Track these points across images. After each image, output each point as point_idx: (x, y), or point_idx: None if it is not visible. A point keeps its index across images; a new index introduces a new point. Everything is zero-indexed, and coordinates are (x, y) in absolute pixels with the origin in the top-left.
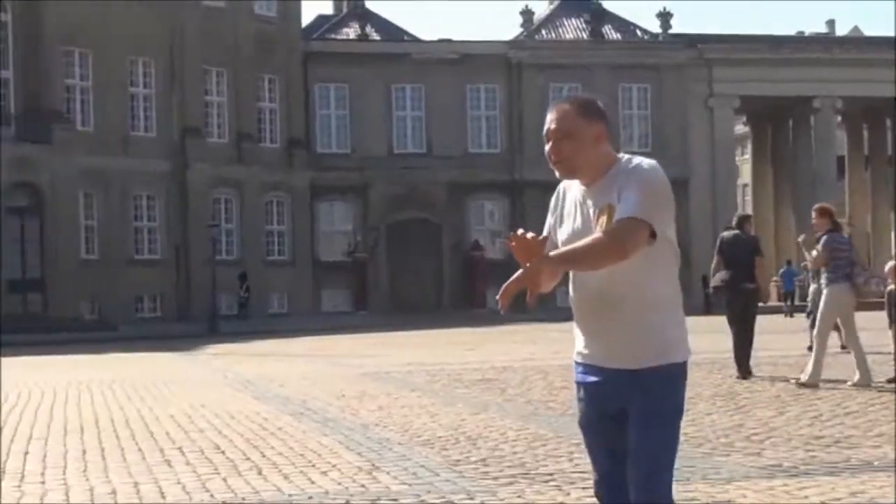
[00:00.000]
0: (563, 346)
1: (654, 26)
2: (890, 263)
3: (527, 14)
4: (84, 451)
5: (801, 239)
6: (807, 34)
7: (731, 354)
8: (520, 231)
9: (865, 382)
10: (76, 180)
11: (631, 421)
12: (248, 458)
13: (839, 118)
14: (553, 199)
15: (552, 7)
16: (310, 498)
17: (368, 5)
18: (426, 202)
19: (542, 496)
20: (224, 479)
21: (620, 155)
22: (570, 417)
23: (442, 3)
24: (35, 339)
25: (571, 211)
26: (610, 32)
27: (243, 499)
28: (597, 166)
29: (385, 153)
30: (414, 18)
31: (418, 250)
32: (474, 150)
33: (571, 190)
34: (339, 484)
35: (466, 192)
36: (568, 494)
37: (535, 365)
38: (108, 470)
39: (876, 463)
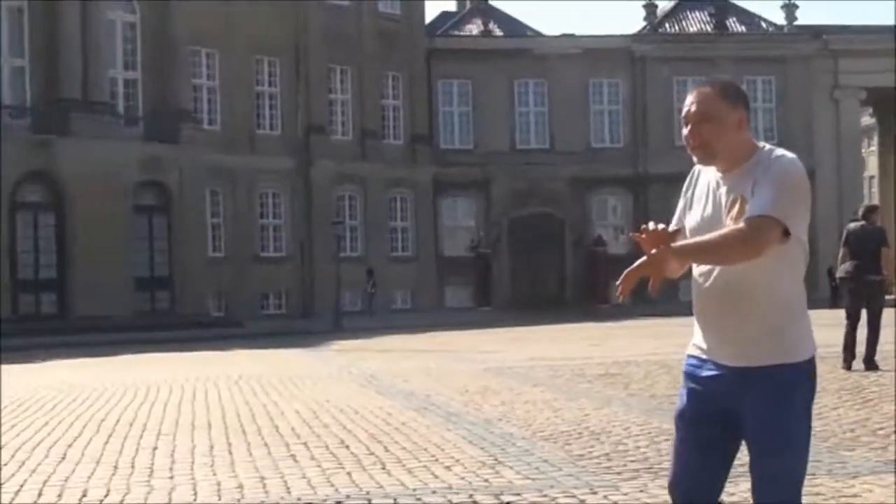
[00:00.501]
0: (687, 341)
1: (779, 18)
2: None
3: (650, 7)
4: (211, 447)
5: None
6: None
7: (861, 348)
8: (650, 225)
9: None
10: (203, 178)
11: (749, 422)
12: (371, 453)
13: None
14: (686, 181)
15: (676, 0)
16: (433, 492)
17: (491, 2)
18: (548, 197)
19: (664, 491)
20: (348, 474)
21: (762, 144)
22: None
23: None
24: (163, 336)
25: (703, 196)
26: (734, 25)
27: (367, 493)
28: (736, 153)
29: (507, 148)
30: (536, 14)
31: (540, 245)
32: (597, 145)
33: (706, 174)
34: (463, 479)
35: (589, 187)
36: None
37: (658, 359)
38: (235, 465)
39: None
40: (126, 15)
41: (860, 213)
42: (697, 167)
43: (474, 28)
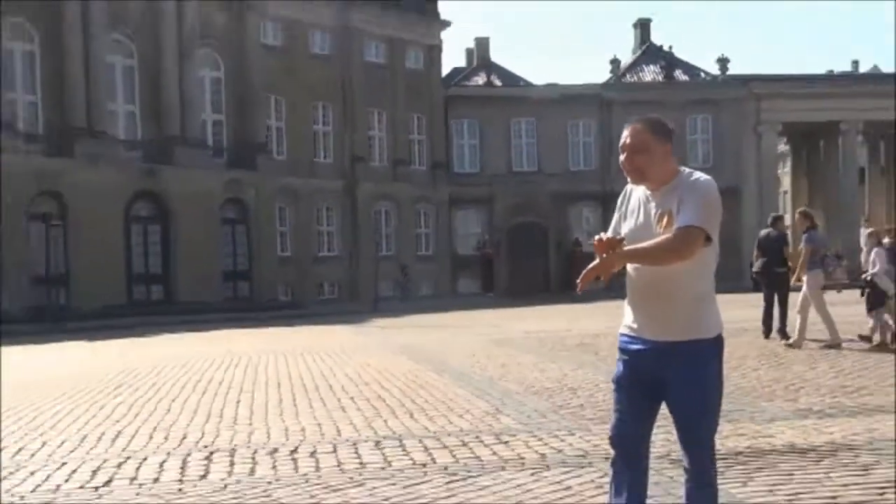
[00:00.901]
0: None
1: (715, 69)
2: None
3: (615, 62)
4: (280, 400)
5: (867, 232)
6: (836, 72)
7: (776, 324)
8: (602, 235)
9: (836, 342)
10: (274, 196)
11: (672, 386)
12: (402, 405)
13: (860, 138)
14: (620, 197)
15: (634, 56)
16: (449, 435)
17: (493, 58)
18: (537, 209)
19: None
20: (384, 421)
21: (682, 168)
22: None
23: (550, 54)
24: (244, 316)
25: (636, 209)
26: (680, 75)
27: (399, 435)
28: (662, 176)
29: (506, 172)
30: (528, 67)
31: (531, 246)
32: (574, 168)
33: (636, 192)
34: (472, 424)
35: (568, 201)
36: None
37: None
38: (299, 414)
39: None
40: (213, 72)
41: (769, 221)
42: (629, 186)
43: (480, 79)
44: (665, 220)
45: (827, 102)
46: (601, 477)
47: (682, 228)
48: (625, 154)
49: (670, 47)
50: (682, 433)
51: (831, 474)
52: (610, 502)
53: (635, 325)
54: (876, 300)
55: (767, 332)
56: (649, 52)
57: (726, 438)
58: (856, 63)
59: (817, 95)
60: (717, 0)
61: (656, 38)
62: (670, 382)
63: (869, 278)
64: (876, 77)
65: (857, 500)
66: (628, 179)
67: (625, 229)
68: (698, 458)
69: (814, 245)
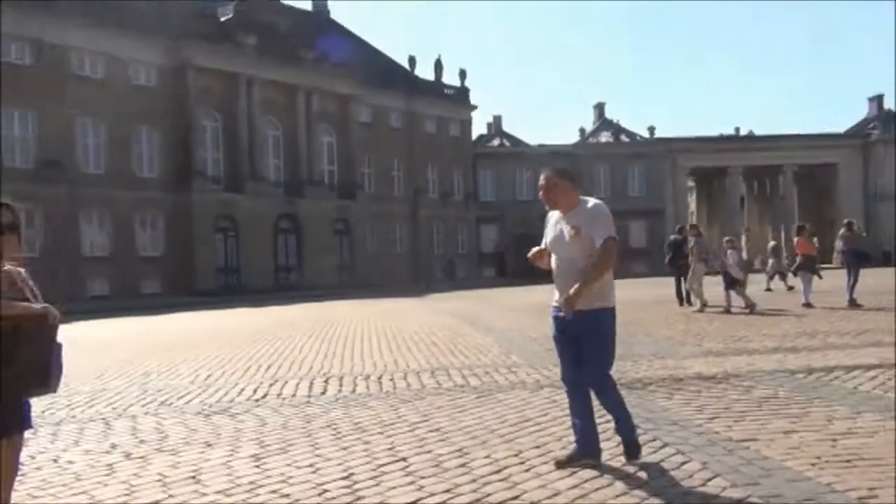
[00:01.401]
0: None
1: (646, 133)
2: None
3: (581, 130)
4: (369, 345)
5: (725, 239)
6: (723, 134)
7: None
8: (534, 249)
9: (701, 308)
10: (367, 219)
11: (583, 340)
12: (448, 347)
13: (741, 177)
14: (547, 218)
15: (594, 126)
16: (477, 366)
17: (504, 128)
18: (531, 224)
19: None
20: (437, 358)
21: (583, 198)
22: None
23: (539, 123)
24: (347, 293)
25: (554, 226)
26: (623, 137)
27: (446, 367)
28: (568, 204)
29: (512, 200)
30: (526, 132)
31: (528, 248)
32: None
33: (554, 215)
34: (491, 360)
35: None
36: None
37: None
38: (383, 353)
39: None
40: (328, 138)
41: (677, 229)
42: (550, 213)
43: (496, 142)
44: (574, 232)
45: (719, 155)
46: None
47: (603, 244)
48: (541, 191)
49: (618, 120)
50: (584, 371)
51: (727, 392)
52: (571, 417)
53: (560, 300)
54: (729, 283)
55: (680, 302)
56: (604, 123)
57: (656, 370)
58: (737, 128)
59: (712, 150)
60: (651, 88)
61: (608, 113)
62: (582, 337)
63: (725, 269)
64: (751, 138)
65: (743, 409)
66: (546, 206)
67: (547, 239)
68: (600, 382)
69: (699, 247)
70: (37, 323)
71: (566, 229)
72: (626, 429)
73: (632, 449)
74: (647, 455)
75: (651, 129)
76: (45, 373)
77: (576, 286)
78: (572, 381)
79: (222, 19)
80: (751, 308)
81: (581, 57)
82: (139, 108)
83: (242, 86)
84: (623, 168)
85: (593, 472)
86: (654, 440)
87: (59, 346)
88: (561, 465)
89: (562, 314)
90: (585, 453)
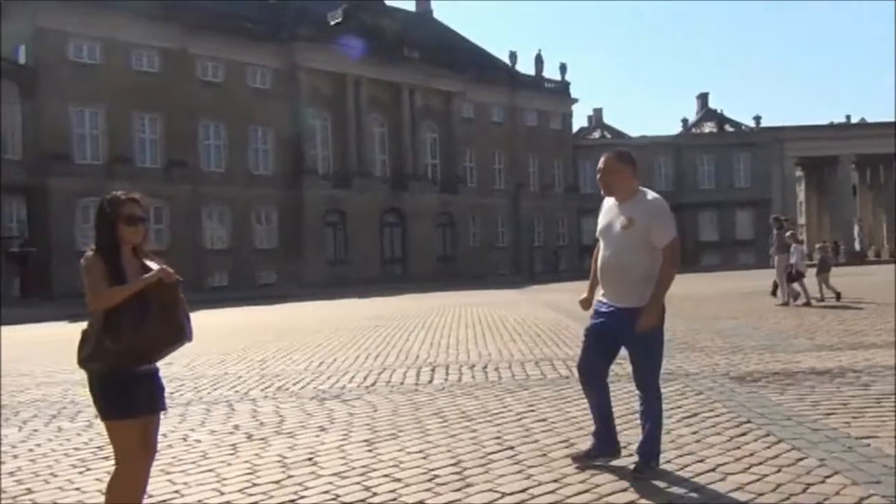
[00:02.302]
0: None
1: (752, 122)
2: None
3: (684, 120)
4: (474, 334)
5: (788, 234)
6: (834, 122)
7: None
8: (583, 297)
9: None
10: (468, 210)
11: (627, 338)
12: (550, 339)
13: (853, 166)
14: (603, 204)
15: (698, 116)
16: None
17: (605, 120)
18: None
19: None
20: (541, 349)
21: (642, 188)
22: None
23: (642, 114)
24: (451, 283)
25: (608, 213)
26: (728, 127)
27: (549, 357)
28: (626, 192)
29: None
30: (627, 123)
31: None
32: (657, 189)
33: (608, 202)
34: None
35: None
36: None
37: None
38: (487, 343)
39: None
40: (432, 134)
41: (771, 219)
42: (606, 199)
43: (596, 134)
44: (627, 223)
45: (829, 143)
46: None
47: (669, 246)
48: (599, 175)
49: (721, 110)
50: (636, 372)
51: (841, 389)
52: (591, 410)
53: (605, 299)
54: (794, 276)
55: (773, 293)
56: (707, 113)
57: (767, 364)
58: (848, 116)
59: (822, 138)
60: (757, 77)
61: (712, 103)
62: (628, 335)
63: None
64: (862, 125)
65: (860, 405)
66: (602, 192)
67: (599, 226)
68: (650, 384)
69: (782, 240)
70: (162, 285)
71: (619, 220)
72: (654, 437)
73: (650, 461)
74: (760, 450)
75: (757, 119)
76: (180, 326)
77: (647, 308)
78: (594, 374)
79: (332, 23)
80: (837, 296)
81: (683, 47)
82: (255, 110)
83: (350, 86)
84: (728, 158)
85: (701, 467)
86: (768, 435)
87: (183, 300)
88: (578, 459)
89: (604, 308)
90: (604, 452)
